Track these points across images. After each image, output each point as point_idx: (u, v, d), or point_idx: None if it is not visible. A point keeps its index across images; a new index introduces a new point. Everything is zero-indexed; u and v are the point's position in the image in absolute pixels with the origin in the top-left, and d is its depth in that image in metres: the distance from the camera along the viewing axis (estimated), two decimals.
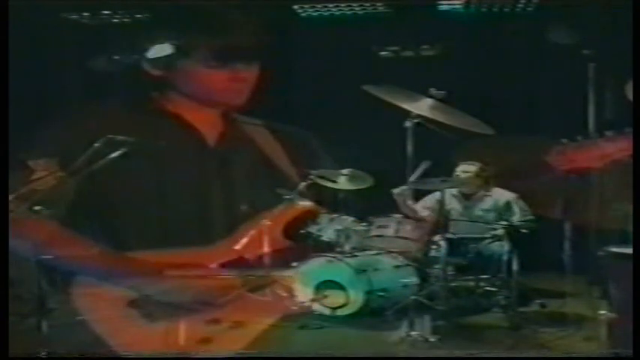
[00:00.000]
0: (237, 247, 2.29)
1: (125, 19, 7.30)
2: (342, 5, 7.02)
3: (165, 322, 2.19)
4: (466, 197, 6.28)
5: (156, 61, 2.28)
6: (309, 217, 2.45)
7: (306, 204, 2.63)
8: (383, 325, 5.23)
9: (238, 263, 2.30)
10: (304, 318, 5.29)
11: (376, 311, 5.48)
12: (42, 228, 2.19)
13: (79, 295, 2.30)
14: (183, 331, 2.20)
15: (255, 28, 2.30)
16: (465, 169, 6.14)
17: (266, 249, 2.30)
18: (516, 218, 5.95)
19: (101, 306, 2.23)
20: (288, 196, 2.46)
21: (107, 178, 2.19)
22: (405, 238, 5.90)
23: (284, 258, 2.54)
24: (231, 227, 2.36)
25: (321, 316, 5.52)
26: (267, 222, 2.38)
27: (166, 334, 2.17)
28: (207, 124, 2.39)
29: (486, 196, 6.25)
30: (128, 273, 2.21)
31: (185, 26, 2.30)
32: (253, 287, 2.33)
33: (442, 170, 6.00)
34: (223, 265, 2.29)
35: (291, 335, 2.40)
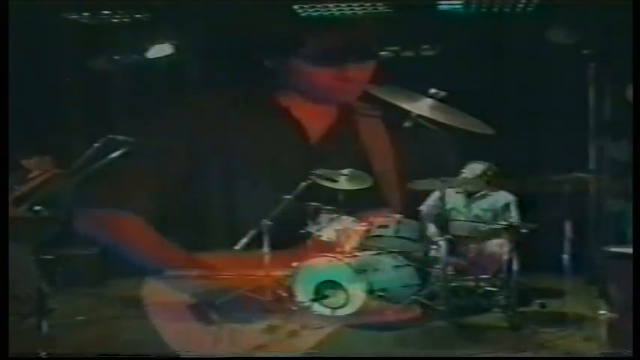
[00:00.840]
0: None
1: (125, 19, 7.30)
2: (342, 5, 7.01)
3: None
4: (468, 195, 6.30)
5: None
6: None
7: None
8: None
9: None
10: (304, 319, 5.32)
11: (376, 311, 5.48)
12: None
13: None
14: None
15: (367, 26, 2.31)
16: (472, 168, 6.16)
17: None
18: (513, 221, 5.94)
19: None
20: (287, 197, 2.45)
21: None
22: (405, 238, 5.92)
23: None
24: None
25: (321, 316, 5.53)
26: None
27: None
28: (315, 118, 2.38)
29: (487, 195, 6.25)
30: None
31: (293, 24, 2.32)
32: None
33: (442, 170, 6.01)
34: None
35: None
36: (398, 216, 6.03)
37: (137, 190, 6.96)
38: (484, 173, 6.16)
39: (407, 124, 5.45)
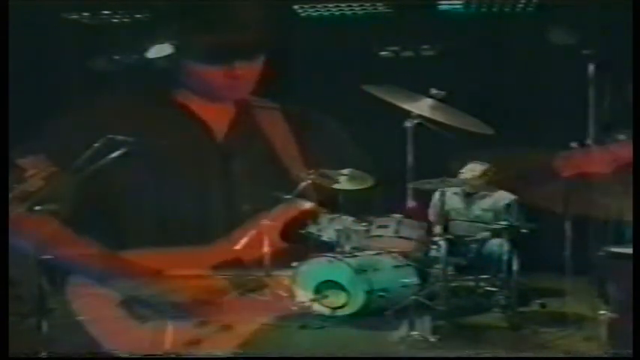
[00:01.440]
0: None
1: (125, 19, 7.29)
2: (342, 5, 7.02)
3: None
4: (467, 195, 6.29)
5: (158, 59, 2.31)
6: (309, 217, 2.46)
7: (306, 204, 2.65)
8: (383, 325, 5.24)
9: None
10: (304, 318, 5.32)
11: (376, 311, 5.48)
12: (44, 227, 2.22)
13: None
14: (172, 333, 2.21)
15: (255, 24, 2.31)
16: (472, 169, 6.15)
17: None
18: (513, 221, 5.93)
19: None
20: (287, 197, 2.47)
21: (108, 177, 2.20)
22: (405, 238, 5.91)
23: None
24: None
25: (321, 316, 5.53)
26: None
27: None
28: (214, 114, 2.39)
29: (487, 195, 6.25)
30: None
31: (183, 24, 2.32)
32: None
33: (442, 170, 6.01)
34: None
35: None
36: (398, 216, 6.03)
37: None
38: (484, 174, 6.16)
39: (407, 124, 5.45)
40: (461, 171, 6.15)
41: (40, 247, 2.24)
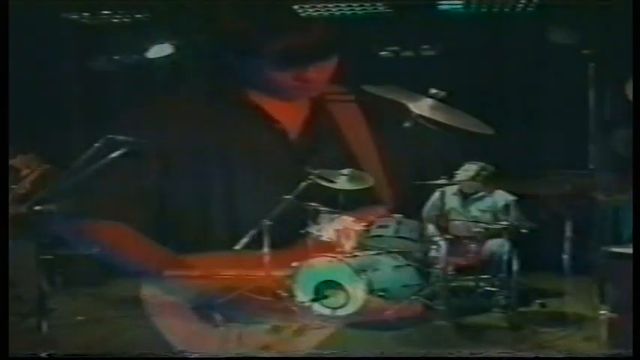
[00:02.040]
0: None
1: (125, 19, 7.29)
2: (342, 5, 7.01)
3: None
4: (465, 196, 6.28)
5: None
6: None
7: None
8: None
9: None
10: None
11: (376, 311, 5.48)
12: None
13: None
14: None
15: (322, 26, 2.32)
16: (466, 169, 6.14)
17: None
18: (512, 221, 5.92)
19: None
20: (287, 197, 2.46)
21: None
22: (405, 238, 5.91)
23: None
24: None
25: (321, 316, 5.53)
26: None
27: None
28: (288, 115, 2.40)
29: (486, 196, 6.24)
30: None
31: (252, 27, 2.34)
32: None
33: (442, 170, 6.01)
34: None
35: None
36: (398, 216, 6.03)
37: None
38: (477, 174, 6.13)
39: (407, 124, 5.45)
40: (456, 172, 6.11)
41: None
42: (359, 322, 5.33)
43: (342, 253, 5.84)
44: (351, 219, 6.10)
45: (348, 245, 5.96)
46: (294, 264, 5.81)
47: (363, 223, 6.06)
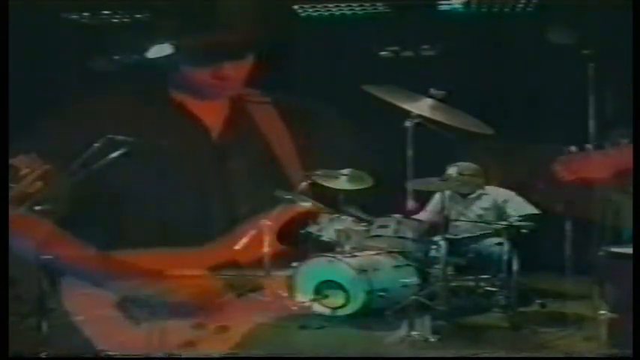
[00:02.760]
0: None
1: (125, 19, 7.29)
2: (342, 5, 7.01)
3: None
4: (463, 197, 6.27)
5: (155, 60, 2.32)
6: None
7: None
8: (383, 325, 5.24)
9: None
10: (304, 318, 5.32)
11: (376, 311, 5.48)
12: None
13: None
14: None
15: (243, 24, 2.32)
16: (461, 170, 6.12)
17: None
18: (515, 214, 5.92)
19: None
20: (287, 197, 2.46)
21: (108, 174, 2.21)
22: (405, 238, 5.91)
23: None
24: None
25: (321, 316, 5.53)
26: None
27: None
28: (209, 111, 2.41)
29: (484, 194, 6.24)
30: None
31: (175, 26, 2.34)
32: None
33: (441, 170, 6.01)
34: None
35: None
36: (398, 216, 6.03)
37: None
38: (460, 174, 6.11)
39: (407, 123, 5.45)
40: (448, 172, 6.09)
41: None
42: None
43: (342, 253, 5.86)
44: (351, 219, 6.11)
45: (348, 245, 5.97)
46: (295, 264, 5.82)
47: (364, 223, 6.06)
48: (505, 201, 6.13)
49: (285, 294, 5.81)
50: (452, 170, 6.11)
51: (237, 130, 2.55)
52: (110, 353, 4.75)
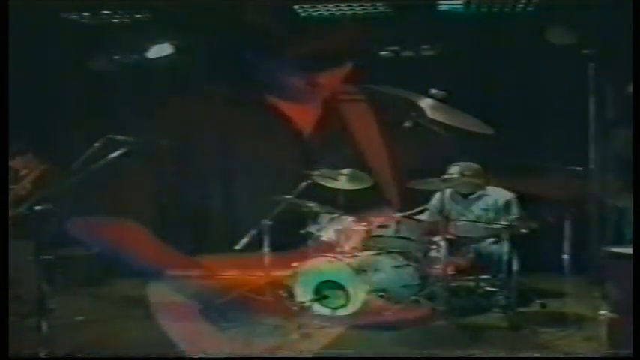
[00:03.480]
0: None
1: (125, 19, 7.29)
2: (342, 5, 7.00)
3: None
4: (464, 197, 6.26)
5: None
6: None
7: None
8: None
9: None
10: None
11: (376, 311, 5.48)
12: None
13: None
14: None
15: (338, 34, 2.34)
16: (462, 170, 6.11)
17: None
18: (515, 217, 5.91)
19: None
20: (287, 197, 2.47)
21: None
22: (405, 238, 5.91)
23: None
24: None
25: (321, 316, 5.53)
26: None
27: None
28: (302, 115, 2.43)
29: (485, 195, 6.23)
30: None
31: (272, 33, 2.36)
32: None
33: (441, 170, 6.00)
34: None
35: None
36: (398, 216, 6.03)
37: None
38: (461, 174, 6.10)
39: (407, 124, 5.45)
40: (449, 172, 6.08)
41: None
42: None
43: (342, 253, 5.85)
44: (352, 219, 6.11)
45: (348, 245, 5.97)
46: (295, 264, 5.81)
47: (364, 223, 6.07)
48: (506, 202, 6.12)
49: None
50: (453, 170, 6.10)
51: (330, 131, 2.57)
52: (109, 353, 4.77)
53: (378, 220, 6.06)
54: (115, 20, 7.30)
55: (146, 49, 7.36)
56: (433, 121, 5.33)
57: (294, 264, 5.82)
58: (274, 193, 6.08)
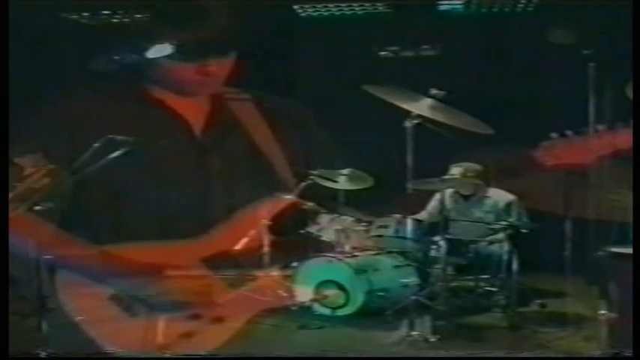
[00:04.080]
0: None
1: (125, 19, 7.29)
2: (342, 5, 7.01)
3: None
4: (464, 198, 6.26)
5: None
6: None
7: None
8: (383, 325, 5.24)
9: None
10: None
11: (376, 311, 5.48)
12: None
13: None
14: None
15: (226, 19, 2.31)
16: (463, 171, 6.11)
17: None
18: (518, 217, 5.89)
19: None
20: (287, 197, 2.47)
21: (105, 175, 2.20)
22: (405, 238, 5.91)
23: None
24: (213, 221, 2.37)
25: (321, 316, 5.53)
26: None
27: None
28: (190, 109, 2.41)
29: (486, 197, 6.22)
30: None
31: (156, 22, 2.33)
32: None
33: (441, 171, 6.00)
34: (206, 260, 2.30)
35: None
36: (398, 216, 6.03)
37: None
38: (463, 175, 6.10)
39: (407, 123, 5.44)
40: (450, 172, 6.08)
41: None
42: None
43: (342, 253, 5.86)
44: (351, 219, 6.12)
45: (348, 245, 5.98)
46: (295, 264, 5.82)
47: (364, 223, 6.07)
48: (507, 204, 6.10)
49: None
50: (455, 171, 6.10)
51: (218, 127, 2.52)
52: (109, 352, 4.76)
53: (378, 220, 6.07)
54: (115, 20, 7.31)
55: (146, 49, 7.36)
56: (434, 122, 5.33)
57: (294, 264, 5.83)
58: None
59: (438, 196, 6.17)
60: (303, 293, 5.66)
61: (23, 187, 2.11)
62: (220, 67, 2.31)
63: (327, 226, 6.13)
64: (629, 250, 4.24)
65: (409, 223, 5.94)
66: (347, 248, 5.93)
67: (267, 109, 2.53)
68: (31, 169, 2.26)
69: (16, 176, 2.22)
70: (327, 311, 5.60)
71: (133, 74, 2.40)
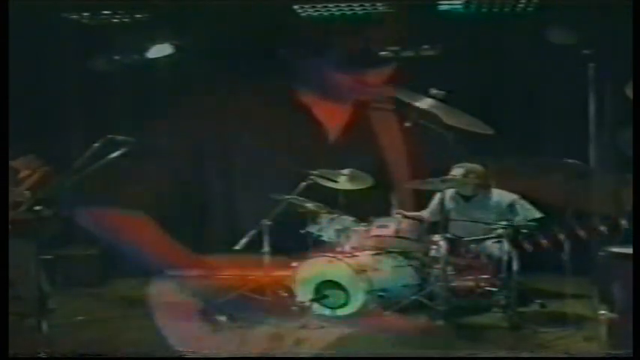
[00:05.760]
0: None
1: (125, 19, 7.29)
2: (342, 5, 7.00)
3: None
4: (465, 199, 6.24)
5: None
6: None
7: None
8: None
9: None
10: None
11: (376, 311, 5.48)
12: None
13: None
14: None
15: (390, 34, 2.33)
16: (465, 171, 6.09)
17: None
18: (520, 219, 5.86)
19: None
20: (287, 197, 2.47)
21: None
22: (405, 238, 5.91)
23: None
24: None
25: (321, 316, 5.53)
26: None
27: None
28: (331, 114, 2.43)
29: (488, 197, 6.20)
30: None
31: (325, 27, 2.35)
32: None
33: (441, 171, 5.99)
34: None
35: None
36: (398, 216, 6.03)
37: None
38: (464, 175, 6.08)
39: (407, 124, 5.45)
40: (452, 172, 6.06)
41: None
42: None
43: (342, 253, 5.85)
44: (351, 219, 6.11)
45: (348, 245, 5.97)
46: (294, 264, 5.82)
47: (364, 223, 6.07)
48: (510, 205, 6.07)
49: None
50: (456, 171, 6.09)
51: (356, 135, 2.54)
52: (109, 353, 4.77)
53: (378, 220, 6.06)
54: (115, 20, 7.31)
55: (146, 49, 7.36)
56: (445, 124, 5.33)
57: (294, 264, 5.83)
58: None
59: (438, 195, 6.16)
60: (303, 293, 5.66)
61: (18, 191, 2.11)
62: (379, 76, 2.33)
63: (327, 226, 6.14)
64: (629, 250, 4.25)
65: (409, 223, 5.94)
66: (347, 248, 5.94)
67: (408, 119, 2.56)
68: (25, 172, 2.27)
69: (11, 179, 2.24)
70: (327, 311, 5.60)
71: (284, 78, 2.44)
